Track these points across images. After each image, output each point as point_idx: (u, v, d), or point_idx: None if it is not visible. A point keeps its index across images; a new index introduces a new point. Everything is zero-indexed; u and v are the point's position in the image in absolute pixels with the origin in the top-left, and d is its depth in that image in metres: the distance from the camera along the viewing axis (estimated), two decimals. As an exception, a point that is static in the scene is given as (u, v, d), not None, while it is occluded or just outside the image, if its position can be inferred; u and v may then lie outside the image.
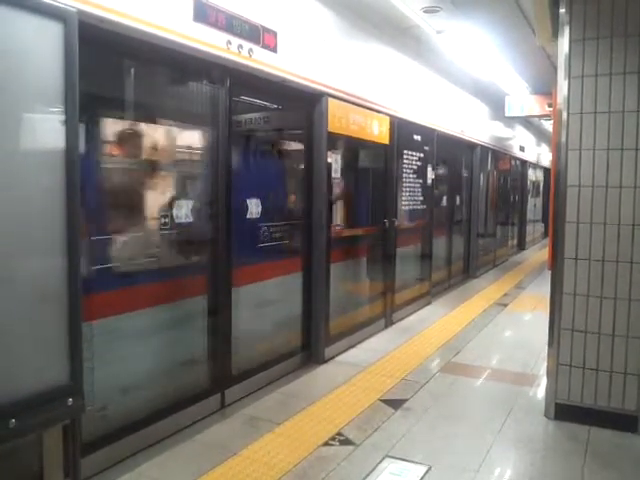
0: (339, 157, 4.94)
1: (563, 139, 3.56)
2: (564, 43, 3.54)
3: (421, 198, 6.91)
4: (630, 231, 3.46)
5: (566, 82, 3.54)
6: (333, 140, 4.88)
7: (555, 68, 7.27)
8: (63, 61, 2.41)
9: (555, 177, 3.66)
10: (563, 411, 3.69)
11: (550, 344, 3.77)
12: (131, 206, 3.33)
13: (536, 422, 3.71)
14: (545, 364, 3.89)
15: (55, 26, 2.40)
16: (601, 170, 3.49)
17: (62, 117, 2.40)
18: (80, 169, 2.46)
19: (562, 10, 3.55)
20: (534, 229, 16.11)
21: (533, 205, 15.71)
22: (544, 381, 3.98)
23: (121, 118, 3.31)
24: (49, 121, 2.37)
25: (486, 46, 6.13)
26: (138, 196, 3.40)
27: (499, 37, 5.74)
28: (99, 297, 3.03)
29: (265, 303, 4.54)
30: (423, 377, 4.54)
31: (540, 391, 4.19)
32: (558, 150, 3.61)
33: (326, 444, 3.35)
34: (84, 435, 2.77)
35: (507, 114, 8.99)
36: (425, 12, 4.97)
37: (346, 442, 3.39)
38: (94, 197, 3.00)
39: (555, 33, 4.02)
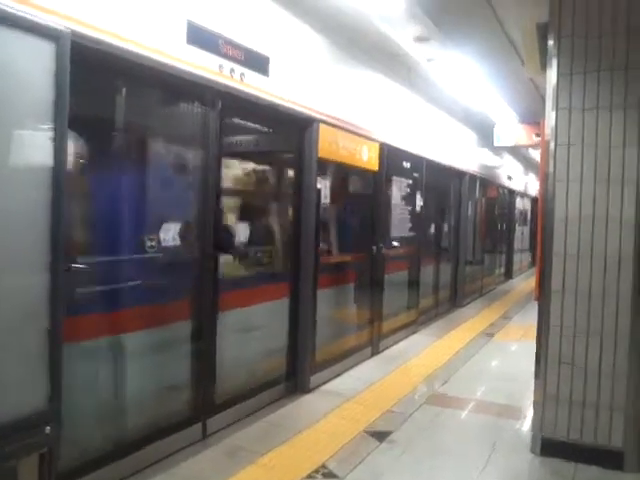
0: (328, 182, 4.92)
1: (550, 170, 3.58)
2: (552, 76, 3.58)
3: (409, 225, 6.91)
4: (616, 264, 3.45)
5: (554, 114, 3.56)
6: (323, 166, 4.88)
7: (543, 99, 7.38)
8: (54, 80, 2.42)
9: (542, 208, 3.67)
10: (549, 446, 3.63)
11: (537, 376, 3.73)
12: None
13: (522, 458, 3.65)
14: (531, 397, 3.84)
15: (47, 46, 2.40)
16: (588, 202, 3.49)
17: (51, 134, 2.40)
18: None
19: (550, 42, 3.59)
20: (521, 258, 16.17)
21: (520, 234, 15.80)
22: (530, 414, 3.93)
23: (109, 134, 3.28)
24: (38, 138, 2.37)
25: (476, 75, 6.20)
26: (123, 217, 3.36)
27: (488, 67, 5.81)
28: (77, 320, 2.95)
29: (251, 329, 4.47)
30: (409, 408, 4.47)
31: (526, 425, 4.14)
32: (545, 181, 3.62)
33: (309, 477, 3.27)
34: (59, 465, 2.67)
35: (496, 143, 9.07)
36: (416, 41, 5.02)
37: (330, 475, 3.31)
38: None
39: (543, 65, 4.07)
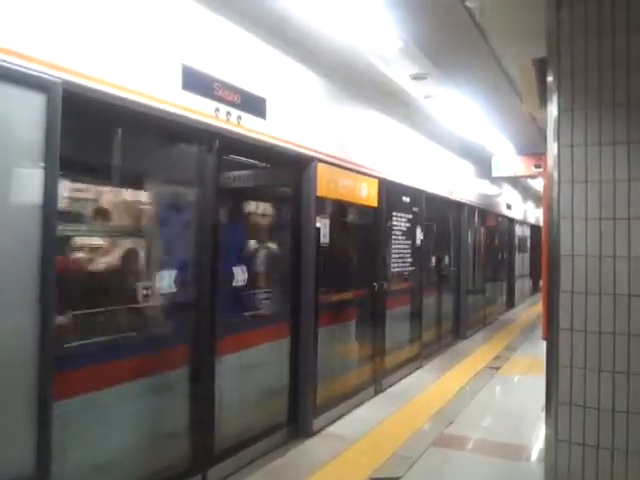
0: (328, 221, 4.86)
1: (555, 207, 3.51)
2: (553, 112, 3.53)
3: (410, 260, 6.84)
4: (626, 302, 3.36)
5: (556, 151, 3.51)
6: (322, 204, 4.82)
7: (541, 131, 7.40)
8: (45, 129, 2.39)
9: (548, 246, 3.59)
10: (564, 492, 3.49)
11: (547, 419, 3.61)
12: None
13: (536, 504, 3.52)
14: (541, 435, 3.72)
15: (38, 97, 2.37)
16: (594, 239, 3.42)
17: (42, 180, 2.36)
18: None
19: (550, 79, 3.56)
20: (523, 285, 16.07)
21: (521, 261, 15.73)
22: (541, 455, 3.80)
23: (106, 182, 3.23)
24: (29, 184, 2.34)
25: (473, 111, 6.21)
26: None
27: (486, 102, 5.82)
28: (69, 374, 2.85)
29: (250, 372, 4.35)
30: (415, 451, 4.33)
31: (537, 468, 4.00)
32: (550, 218, 3.55)
33: (314, 531, 3.14)
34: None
35: (494, 174, 9.06)
36: (413, 79, 5.02)
37: (336, 530, 3.17)
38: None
39: (542, 101, 4.04)
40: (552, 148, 3.54)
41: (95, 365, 3.03)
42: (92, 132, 3.02)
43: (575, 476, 3.49)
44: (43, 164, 2.36)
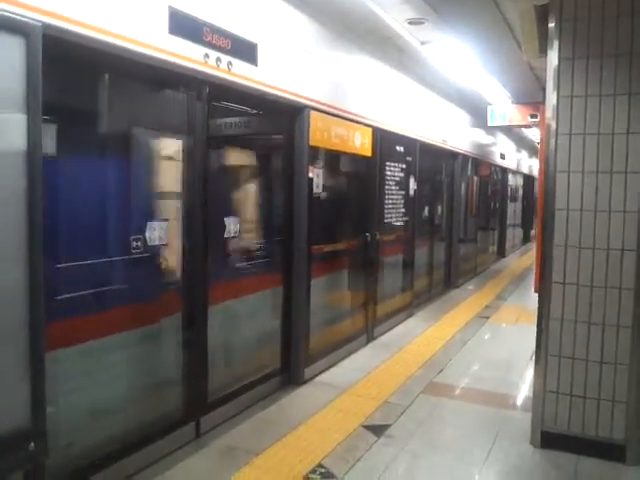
0: (321, 171, 4.78)
1: (551, 160, 3.46)
2: (553, 60, 3.43)
3: (403, 210, 6.81)
4: (619, 256, 3.37)
5: (555, 101, 3.43)
6: (315, 154, 4.73)
7: (538, 79, 7.25)
8: (25, 74, 2.28)
9: (543, 199, 3.56)
10: (550, 439, 3.59)
11: (537, 370, 3.67)
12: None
13: (522, 451, 3.61)
14: (530, 384, 3.79)
15: (17, 40, 2.25)
16: (590, 193, 3.39)
17: (25, 126, 2.27)
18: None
19: (551, 25, 3.44)
20: (514, 234, 16.14)
21: (513, 210, 15.75)
22: (529, 404, 3.87)
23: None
24: (11, 129, 2.25)
25: (470, 57, 6.03)
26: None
27: (484, 49, 5.65)
28: (62, 324, 2.84)
29: (243, 320, 4.38)
30: (406, 399, 4.41)
31: (526, 416, 4.06)
32: (546, 172, 3.50)
33: (307, 478, 3.20)
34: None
35: (489, 124, 8.93)
36: (410, 24, 4.84)
37: (328, 475, 3.24)
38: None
39: (542, 49, 3.93)
40: (551, 99, 3.46)
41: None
42: (75, 78, 2.90)
43: (561, 425, 3.58)
44: (25, 111, 2.27)
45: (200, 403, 3.71)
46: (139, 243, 3.12)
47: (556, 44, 3.42)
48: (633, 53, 3.21)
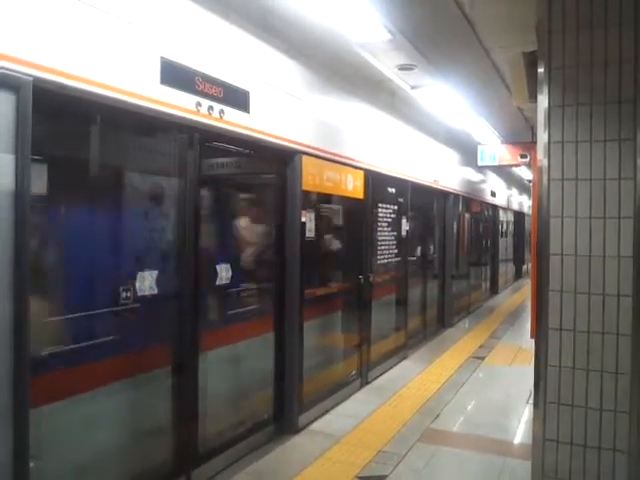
0: (313, 215, 4.77)
1: (544, 206, 3.45)
2: (543, 108, 3.45)
3: (396, 250, 6.79)
4: (615, 301, 3.33)
5: (546, 147, 3.44)
6: (307, 198, 4.73)
7: (528, 120, 7.35)
8: (15, 128, 2.28)
9: (537, 245, 3.54)
10: (551, 490, 3.49)
11: (535, 418, 3.58)
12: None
13: (523, 502, 3.51)
14: (528, 429, 3.70)
15: (7, 96, 2.25)
16: (584, 239, 3.37)
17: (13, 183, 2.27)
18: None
19: (540, 71, 3.47)
20: (506, 270, 16.15)
21: (504, 246, 15.80)
22: (529, 451, 3.78)
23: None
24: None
25: (460, 101, 6.12)
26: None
27: (473, 93, 5.73)
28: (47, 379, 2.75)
29: (235, 368, 4.29)
30: (402, 448, 4.31)
31: (525, 465, 3.97)
32: (540, 217, 3.49)
33: (301, 537, 3.09)
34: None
35: (480, 163, 9.00)
36: (400, 69, 4.91)
37: (323, 533, 3.13)
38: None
39: (532, 94, 3.98)
40: (542, 144, 3.46)
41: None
42: (66, 129, 2.88)
43: (562, 475, 3.48)
44: (15, 162, 2.27)
45: (191, 455, 3.60)
46: (129, 294, 3.06)
47: (546, 90, 3.44)
48: (622, 101, 3.24)
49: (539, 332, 3.54)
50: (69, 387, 2.89)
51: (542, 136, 3.44)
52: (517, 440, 4.52)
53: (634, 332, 3.29)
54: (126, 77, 2.84)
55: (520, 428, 4.74)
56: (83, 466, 3.00)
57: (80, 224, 3.05)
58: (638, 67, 3.21)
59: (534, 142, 3.53)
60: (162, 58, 3.06)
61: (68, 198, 2.95)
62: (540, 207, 3.47)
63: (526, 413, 4.88)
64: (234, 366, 4.30)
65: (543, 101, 3.45)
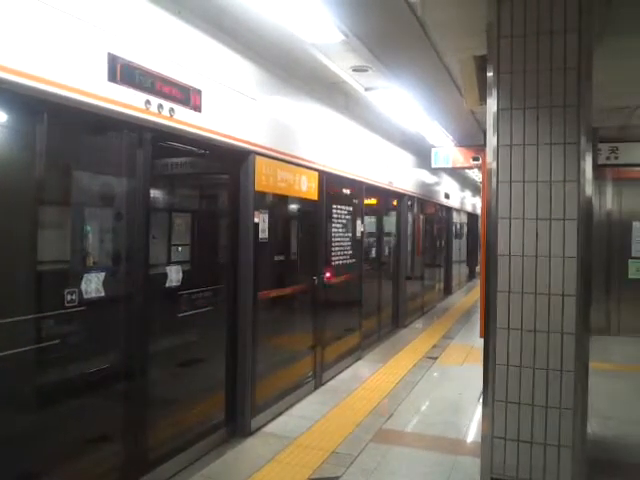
0: (266, 216, 4.73)
1: (493, 207, 3.52)
2: (492, 111, 3.52)
3: (350, 252, 6.81)
4: (560, 301, 3.42)
5: (495, 150, 3.51)
6: (261, 198, 4.69)
7: (480, 123, 7.48)
8: None
9: (486, 245, 3.61)
10: (499, 487, 3.55)
11: (484, 416, 3.65)
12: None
13: (473, 499, 3.56)
14: (479, 427, 3.76)
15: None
16: (531, 239, 3.45)
17: None
18: None
19: (490, 75, 3.54)
20: (459, 271, 16.43)
21: (458, 248, 16.08)
22: (479, 449, 3.84)
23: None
24: None
25: (413, 103, 6.18)
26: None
27: (426, 95, 5.80)
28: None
29: (186, 369, 4.22)
30: (355, 449, 4.32)
31: (476, 462, 4.04)
32: (488, 218, 3.56)
33: (252, 541, 3.06)
34: None
35: (433, 165, 9.12)
36: (354, 71, 4.93)
37: (274, 536, 3.10)
38: None
39: (482, 97, 4.05)
40: (491, 147, 3.54)
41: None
42: (10, 126, 2.78)
43: (510, 471, 3.55)
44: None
45: (139, 462, 3.52)
46: (74, 296, 2.96)
47: (494, 94, 3.51)
48: (566, 105, 3.33)
49: (488, 332, 3.61)
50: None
51: (491, 139, 3.51)
52: (469, 438, 4.59)
53: (578, 331, 3.40)
54: (71, 73, 2.75)
55: (472, 426, 4.81)
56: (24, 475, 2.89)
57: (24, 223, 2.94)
58: (581, 73, 3.32)
59: (485, 145, 3.59)
60: (110, 54, 2.98)
61: (13, 197, 2.84)
62: (489, 209, 3.54)
63: (477, 411, 4.95)
64: (185, 369, 4.22)
65: (492, 105, 3.52)
